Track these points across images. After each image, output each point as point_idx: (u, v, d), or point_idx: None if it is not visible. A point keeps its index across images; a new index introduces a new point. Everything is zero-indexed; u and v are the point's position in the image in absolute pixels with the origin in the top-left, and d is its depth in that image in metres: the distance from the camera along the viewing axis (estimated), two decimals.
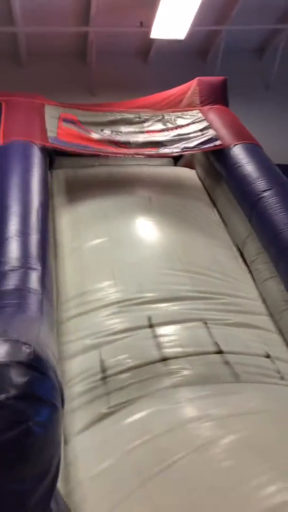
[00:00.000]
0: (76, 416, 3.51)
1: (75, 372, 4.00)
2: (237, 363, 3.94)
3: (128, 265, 5.10)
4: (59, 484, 2.64)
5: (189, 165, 7.93)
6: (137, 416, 3.09)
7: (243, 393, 3.45)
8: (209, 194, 6.97)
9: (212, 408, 3.13)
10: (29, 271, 3.90)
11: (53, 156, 6.75)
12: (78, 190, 6.51)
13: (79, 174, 7.12)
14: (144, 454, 2.40)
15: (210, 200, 6.87)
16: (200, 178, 7.40)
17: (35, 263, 4.02)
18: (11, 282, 3.66)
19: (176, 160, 8.79)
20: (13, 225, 4.35)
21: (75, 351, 4.23)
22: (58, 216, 6.05)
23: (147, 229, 5.74)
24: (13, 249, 4.09)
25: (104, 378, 3.83)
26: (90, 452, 2.81)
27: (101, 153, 6.20)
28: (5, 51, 9.13)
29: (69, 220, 5.92)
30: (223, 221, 6.41)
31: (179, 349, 4.06)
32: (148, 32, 8.54)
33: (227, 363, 3.94)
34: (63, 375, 4.03)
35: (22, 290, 3.61)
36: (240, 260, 5.83)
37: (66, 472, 2.81)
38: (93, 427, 3.26)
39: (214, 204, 6.76)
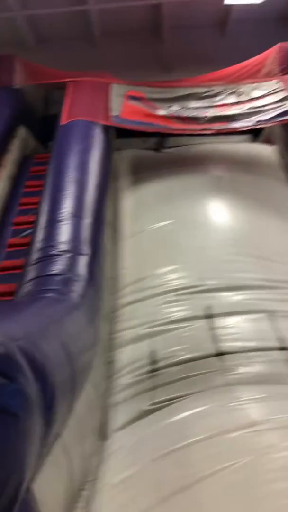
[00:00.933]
0: (119, 411, 3.29)
1: (125, 362, 3.78)
2: None
3: (190, 250, 4.74)
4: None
5: (269, 141, 7.29)
6: (179, 416, 2.78)
7: None
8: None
9: (269, 414, 2.72)
10: (78, 256, 3.72)
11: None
12: (144, 172, 6.24)
13: (147, 155, 6.85)
14: (171, 465, 2.09)
15: None
16: (279, 155, 6.75)
17: (85, 248, 3.83)
18: (56, 267, 3.50)
19: (256, 136, 8.20)
20: (66, 208, 4.18)
21: (127, 340, 4.01)
22: (122, 199, 5.84)
23: (214, 211, 5.31)
24: (63, 232, 3.93)
25: (152, 371, 3.56)
26: (122, 454, 2.56)
27: (165, 130, 5.84)
28: (79, 32, 9.03)
29: (132, 202, 5.68)
30: None
31: (237, 344, 3.65)
32: None
33: None
34: (113, 365, 3.85)
35: (65, 276, 3.43)
36: None
37: (98, 471, 2.60)
38: (133, 424, 3.01)
39: None
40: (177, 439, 2.37)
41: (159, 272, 4.58)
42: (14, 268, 4.27)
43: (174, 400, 3.12)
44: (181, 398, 3.11)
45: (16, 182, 5.66)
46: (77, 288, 3.33)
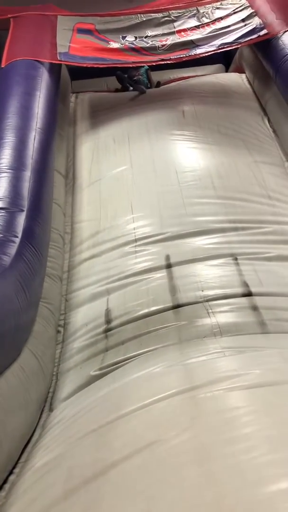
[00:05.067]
0: (67, 378, 3.03)
1: (79, 324, 3.49)
2: (268, 308, 3.14)
3: (149, 196, 4.34)
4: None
5: (240, 69, 6.70)
6: (121, 382, 2.49)
7: (266, 349, 2.68)
8: (259, 101, 5.80)
9: (226, 371, 2.41)
10: (15, 213, 3.34)
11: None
12: (103, 114, 5.72)
13: (107, 96, 6.30)
14: (92, 445, 1.82)
15: (261, 107, 5.71)
16: (250, 83, 6.19)
17: (24, 203, 3.43)
18: None
19: (229, 65, 7.59)
20: (2, 159, 3.75)
21: (82, 300, 3.70)
22: (79, 145, 5.37)
23: (175, 151, 4.84)
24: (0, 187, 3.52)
25: (106, 331, 3.28)
26: (57, 430, 2.31)
27: (120, 65, 5.28)
28: None
29: (89, 148, 5.21)
30: (274, 131, 5.29)
31: (197, 293, 3.33)
32: None
33: (255, 308, 3.16)
34: (68, 327, 3.57)
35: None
36: None
37: (33, 449, 2.36)
38: (77, 394, 2.75)
39: (265, 112, 5.61)
40: (110, 411, 2.08)
41: (117, 222, 4.21)
42: None
43: (123, 363, 2.84)
44: (130, 360, 2.83)
45: None
46: (11, 250, 2.98)
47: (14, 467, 2.24)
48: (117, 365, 2.84)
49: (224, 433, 1.68)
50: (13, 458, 2.25)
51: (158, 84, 6.89)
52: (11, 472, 2.19)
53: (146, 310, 3.29)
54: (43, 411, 2.85)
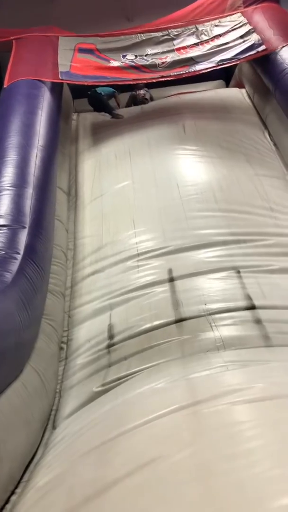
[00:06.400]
0: (70, 395, 2.99)
1: (82, 340, 3.46)
2: (271, 321, 3.11)
3: (150, 211, 4.35)
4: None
5: (240, 85, 6.76)
6: (124, 398, 2.46)
7: (270, 362, 2.64)
8: (259, 115, 5.84)
9: (229, 385, 2.38)
10: (17, 230, 3.35)
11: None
12: (104, 131, 5.79)
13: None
14: (94, 462, 1.79)
15: (261, 121, 5.74)
16: (250, 98, 6.24)
17: (25, 220, 3.45)
18: None
19: (229, 81, 7.66)
20: (5, 177, 3.78)
21: (85, 316, 3.68)
22: (81, 162, 5.41)
23: (176, 165, 4.87)
24: (1, 204, 3.54)
25: (109, 346, 3.25)
26: (59, 448, 2.27)
27: (120, 82, 5.35)
28: None
29: (91, 165, 5.25)
30: (275, 144, 5.31)
31: (200, 307, 3.30)
32: None
33: (258, 321, 3.13)
34: (71, 344, 3.55)
35: (1, 253, 3.08)
36: None
37: (35, 469, 2.32)
38: (80, 411, 2.72)
39: (265, 125, 5.64)
40: (113, 428, 2.05)
41: (119, 237, 4.22)
42: None
43: (126, 378, 2.81)
44: (133, 375, 2.80)
45: None
46: (13, 267, 2.98)
47: (16, 487, 2.20)
48: (119, 381, 2.81)
49: (227, 449, 1.65)
50: (15, 477, 2.21)
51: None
52: (13, 492, 2.15)
53: (149, 325, 3.27)
54: (46, 429, 2.81)
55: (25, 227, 3.39)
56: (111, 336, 3.32)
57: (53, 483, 1.86)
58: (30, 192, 3.72)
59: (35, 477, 2.14)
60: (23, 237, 3.29)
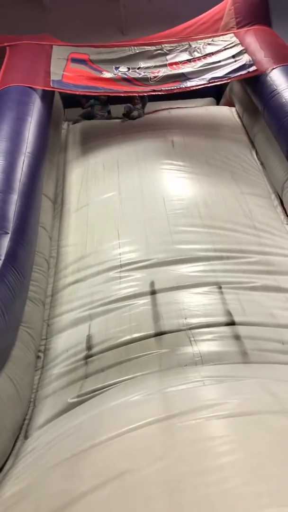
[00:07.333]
0: (45, 405, 2.95)
1: (59, 350, 3.42)
2: (250, 338, 3.12)
3: (135, 223, 4.35)
4: None
5: (230, 103, 6.86)
6: (98, 410, 2.43)
7: (247, 379, 2.64)
8: (248, 134, 5.92)
9: (204, 400, 2.36)
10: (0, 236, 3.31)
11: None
12: (94, 141, 5.79)
13: (98, 124, 6.37)
14: (62, 475, 1.75)
15: (249, 140, 5.82)
16: (239, 117, 6.33)
17: (8, 226, 3.41)
18: None
19: (220, 99, 7.76)
20: None
21: (64, 325, 3.65)
22: (69, 171, 5.41)
23: (163, 179, 4.89)
24: None
25: (87, 358, 3.22)
26: (29, 459, 2.23)
27: (111, 93, 5.38)
28: None
29: (79, 174, 5.25)
30: (262, 164, 5.38)
31: (180, 321, 3.30)
32: None
33: (237, 337, 3.13)
34: (48, 353, 3.50)
35: None
36: (279, 209, 4.82)
37: (3, 479, 2.27)
38: (53, 421, 2.68)
39: (253, 144, 5.72)
40: (84, 439, 2.02)
41: (103, 248, 4.20)
42: None
43: (102, 390, 2.78)
44: (109, 387, 2.78)
45: None
46: None
47: None
48: (95, 393, 2.78)
49: (198, 464, 1.64)
50: None
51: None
52: None
53: (128, 337, 3.25)
54: (18, 439, 2.76)
55: (7, 233, 3.36)
56: (89, 347, 3.30)
57: (19, 495, 1.81)
58: (15, 198, 3.69)
59: (3, 488, 2.09)
60: (4, 242, 3.25)
